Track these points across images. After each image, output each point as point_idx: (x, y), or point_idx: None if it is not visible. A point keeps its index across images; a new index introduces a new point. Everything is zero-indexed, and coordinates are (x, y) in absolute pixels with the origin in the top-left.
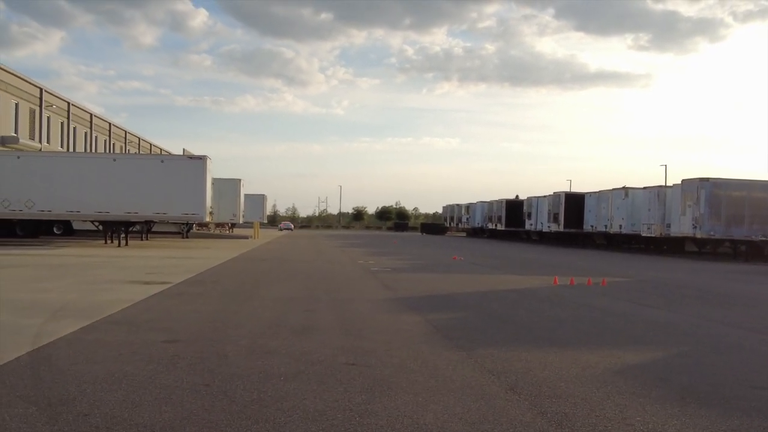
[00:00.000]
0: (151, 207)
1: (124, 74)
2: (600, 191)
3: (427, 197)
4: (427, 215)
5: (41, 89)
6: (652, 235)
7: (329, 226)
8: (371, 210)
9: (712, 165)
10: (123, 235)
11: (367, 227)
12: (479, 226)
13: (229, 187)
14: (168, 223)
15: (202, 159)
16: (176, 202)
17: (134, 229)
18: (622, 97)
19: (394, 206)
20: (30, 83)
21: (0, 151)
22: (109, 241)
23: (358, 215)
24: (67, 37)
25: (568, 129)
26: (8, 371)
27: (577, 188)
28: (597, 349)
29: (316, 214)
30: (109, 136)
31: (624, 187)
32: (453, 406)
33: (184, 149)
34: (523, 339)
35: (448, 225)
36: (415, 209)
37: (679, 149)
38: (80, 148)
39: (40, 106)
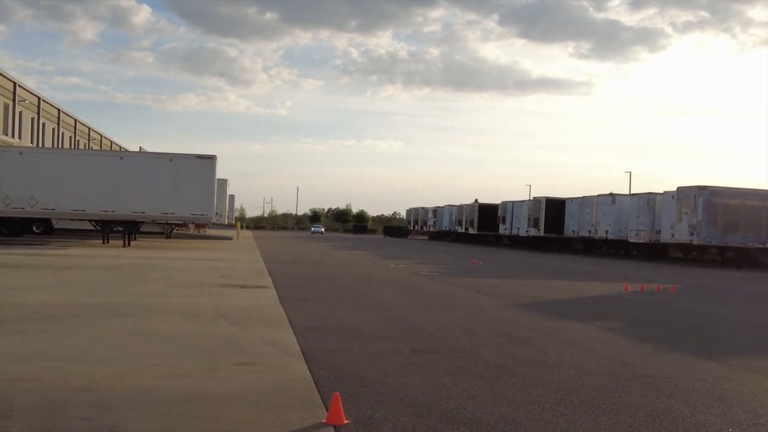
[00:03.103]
0: (158, 207)
1: (64, 70)
2: (583, 197)
3: (373, 199)
4: (374, 218)
5: (15, 83)
6: (641, 241)
7: (285, 228)
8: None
9: (650, 171)
10: (128, 235)
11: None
12: (447, 229)
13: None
14: (153, 222)
15: (212, 158)
16: (184, 202)
17: (117, 229)
18: (563, 104)
19: (345, 208)
20: (4, 77)
21: (2, 148)
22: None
23: (315, 217)
24: (5, 31)
25: (511, 134)
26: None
27: (517, 194)
28: None
29: (265, 214)
30: (75, 132)
31: (611, 194)
32: None
33: (140, 147)
34: (728, 348)
35: (411, 228)
36: (362, 211)
37: (617, 156)
38: (48, 144)
39: (14, 101)
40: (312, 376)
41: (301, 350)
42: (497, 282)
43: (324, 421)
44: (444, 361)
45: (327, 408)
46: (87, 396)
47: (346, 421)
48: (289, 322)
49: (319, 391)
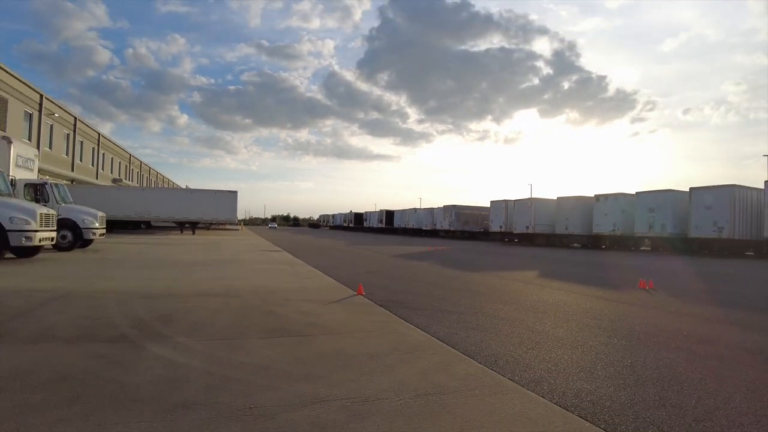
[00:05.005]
0: (204, 215)
1: None
2: (402, 210)
3: (301, 207)
4: (301, 219)
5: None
6: (426, 228)
7: (258, 224)
8: None
9: (429, 198)
10: (194, 229)
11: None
12: (338, 224)
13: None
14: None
15: (234, 193)
16: (218, 213)
17: (186, 225)
18: (389, 167)
19: (286, 215)
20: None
21: (129, 186)
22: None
23: (273, 219)
24: None
25: (364, 182)
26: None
27: (370, 207)
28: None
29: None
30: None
31: (415, 209)
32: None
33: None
34: (485, 268)
35: (321, 224)
36: (291, 215)
37: (415, 191)
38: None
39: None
40: (337, 281)
41: (325, 273)
42: (374, 247)
43: (355, 293)
44: (388, 275)
45: (354, 290)
46: (265, 288)
47: (363, 293)
48: (306, 263)
49: (345, 286)
